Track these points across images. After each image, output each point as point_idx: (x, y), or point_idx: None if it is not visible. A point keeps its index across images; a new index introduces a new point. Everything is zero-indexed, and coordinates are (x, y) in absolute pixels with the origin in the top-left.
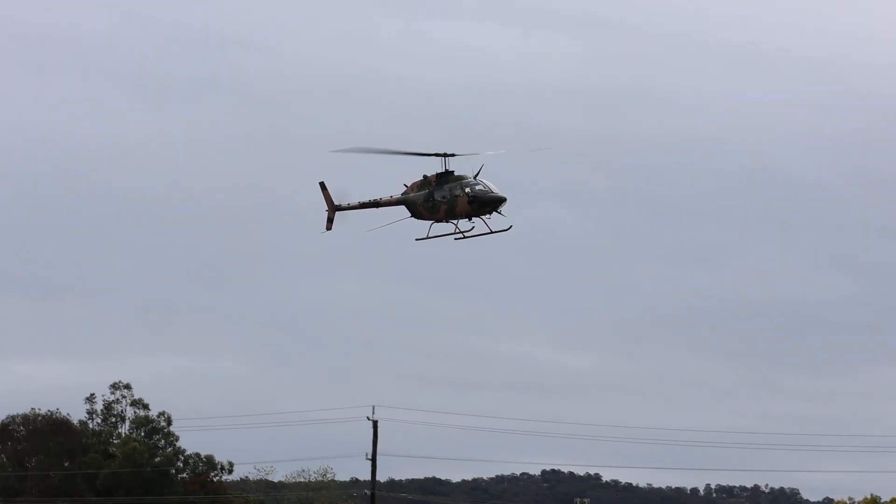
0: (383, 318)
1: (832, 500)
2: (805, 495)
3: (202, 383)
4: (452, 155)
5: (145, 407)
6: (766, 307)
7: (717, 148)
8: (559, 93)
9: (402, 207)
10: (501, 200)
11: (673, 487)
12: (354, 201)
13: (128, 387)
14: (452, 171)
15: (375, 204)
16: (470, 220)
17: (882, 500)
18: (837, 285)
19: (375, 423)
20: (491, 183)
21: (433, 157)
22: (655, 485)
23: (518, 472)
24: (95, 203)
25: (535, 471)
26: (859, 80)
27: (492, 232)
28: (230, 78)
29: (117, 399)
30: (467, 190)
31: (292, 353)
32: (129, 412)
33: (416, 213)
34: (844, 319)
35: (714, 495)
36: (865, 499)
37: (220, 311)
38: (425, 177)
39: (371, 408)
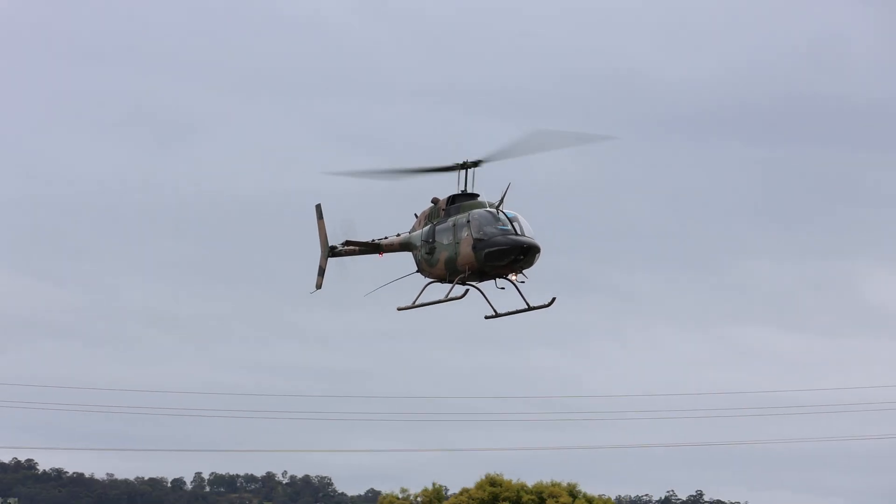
0: None
1: (378, 492)
2: (340, 487)
3: None
4: (476, 164)
5: None
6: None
7: None
8: None
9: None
10: (525, 249)
11: (146, 478)
12: (359, 238)
13: None
14: (475, 195)
15: (376, 247)
16: (481, 280)
17: (450, 493)
18: None
19: None
20: (523, 219)
21: (453, 172)
22: (120, 475)
23: None
24: None
25: None
26: None
27: (529, 308)
28: None
29: None
30: (473, 229)
31: None
32: None
33: (417, 263)
34: None
35: (208, 488)
36: (425, 490)
37: None
38: (434, 202)
39: None
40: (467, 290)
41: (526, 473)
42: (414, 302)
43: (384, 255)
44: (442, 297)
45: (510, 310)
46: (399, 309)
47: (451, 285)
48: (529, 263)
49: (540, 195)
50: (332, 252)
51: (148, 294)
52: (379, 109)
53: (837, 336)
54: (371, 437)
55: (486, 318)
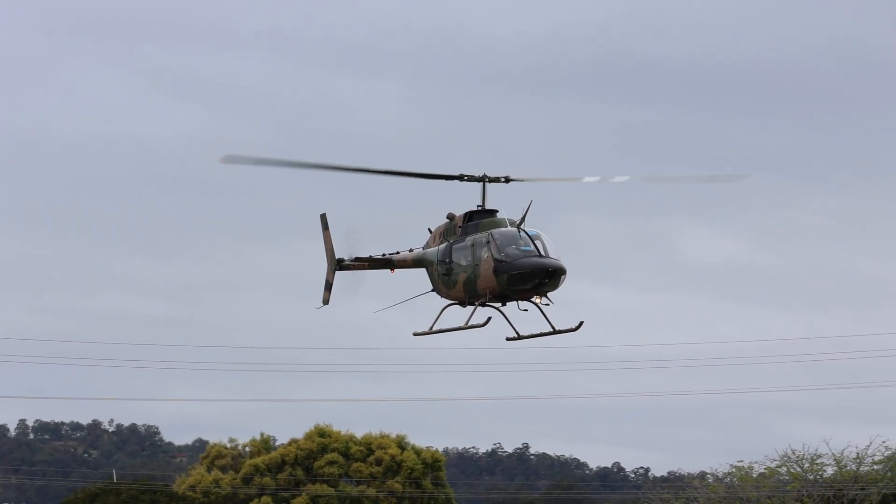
0: None
1: (206, 442)
2: (167, 436)
3: None
4: (501, 180)
5: None
6: None
7: None
8: None
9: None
10: (550, 272)
11: None
12: (367, 253)
13: None
14: (493, 211)
15: (387, 263)
16: (503, 304)
17: (278, 443)
18: None
19: None
20: (547, 238)
21: (463, 182)
22: None
23: None
24: None
25: None
26: None
27: (555, 331)
28: None
29: None
30: (494, 250)
31: None
32: None
33: (433, 282)
34: None
35: (32, 436)
36: (253, 440)
37: None
38: (450, 218)
39: None
40: (489, 319)
41: (354, 425)
42: (431, 327)
43: (395, 270)
44: (462, 323)
45: (534, 332)
46: (415, 335)
47: (471, 309)
48: (555, 286)
49: (367, 148)
50: (339, 265)
51: None
52: (207, 58)
53: (658, 292)
54: (199, 387)
55: (508, 339)
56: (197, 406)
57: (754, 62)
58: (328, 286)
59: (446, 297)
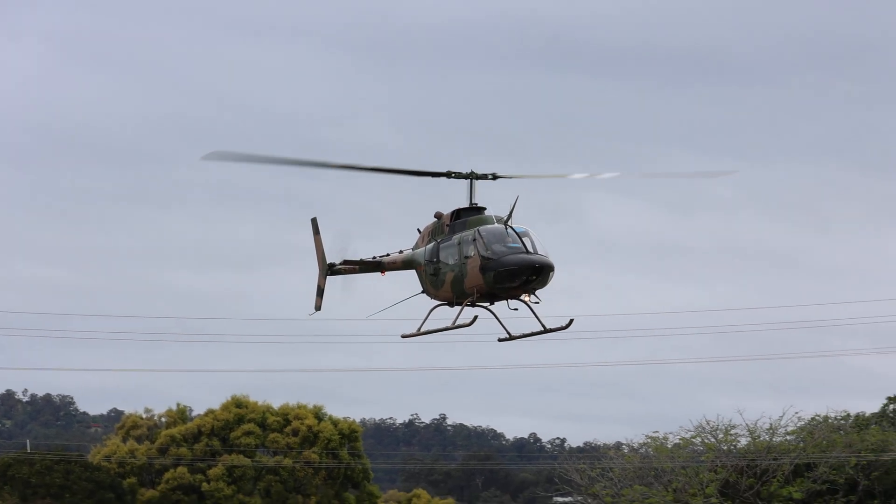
0: None
1: (121, 412)
2: (82, 406)
3: None
4: (488, 177)
5: None
6: None
7: None
8: None
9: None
10: (537, 268)
11: None
12: (358, 255)
13: None
14: (482, 208)
15: (377, 265)
16: (492, 303)
17: (195, 413)
18: None
19: None
20: (534, 235)
21: (449, 179)
22: None
23: None
24: None
25: None
26: None
27: (546, 330)
28: None
29: None
30: (480, 247)
31: None
32: None
33: (422, 283)
34: None
35: None
36: (170, 410)
37: None
38: (438, 217)
39: None
40: (476, 318)
41: (271, 395)
42: (419, 329)
43: (386, 273)
44: (449, 324)
45: (525, 332)
46: (403, 336)
47: (458, 310)
48: (543, 283)
49: (290, 125)
50: (330, 270)
51: None
52: (124, 26)
53: (569, 263)
54: (114, 357)
55: (500, 340)
56: (112, 376)
57: (673, 39)
58: (320, 292)
59: (435, 298)
